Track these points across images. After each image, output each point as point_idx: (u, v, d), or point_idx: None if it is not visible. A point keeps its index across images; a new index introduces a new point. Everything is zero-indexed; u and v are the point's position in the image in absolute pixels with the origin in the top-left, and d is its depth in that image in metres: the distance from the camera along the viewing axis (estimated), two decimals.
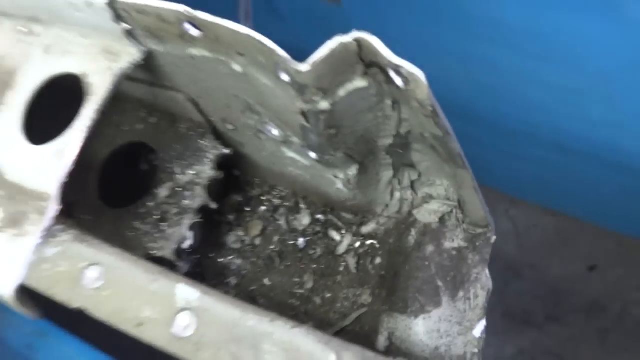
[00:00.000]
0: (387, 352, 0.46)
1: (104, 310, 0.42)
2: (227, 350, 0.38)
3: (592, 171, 1.31)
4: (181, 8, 0.41)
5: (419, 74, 0.35)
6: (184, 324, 0.40)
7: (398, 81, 0.36)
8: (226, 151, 0.52)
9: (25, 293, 0.44)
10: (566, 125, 1.27)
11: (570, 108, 1.24)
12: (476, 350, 0.44)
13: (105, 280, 0.42)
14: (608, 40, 1.18)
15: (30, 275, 0.44)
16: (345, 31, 0.38)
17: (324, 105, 0.39)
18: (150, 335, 0.40)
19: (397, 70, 0.35)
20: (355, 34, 0.35)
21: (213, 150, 0.52)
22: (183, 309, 0.40)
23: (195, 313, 0.40)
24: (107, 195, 0.53)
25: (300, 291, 0.51)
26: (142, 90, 0.53)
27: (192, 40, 0.43)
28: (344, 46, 0.36)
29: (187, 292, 0.40)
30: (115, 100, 0.51)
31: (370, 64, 0.38)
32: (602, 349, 1.28)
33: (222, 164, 0.53)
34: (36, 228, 0.44)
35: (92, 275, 0.42)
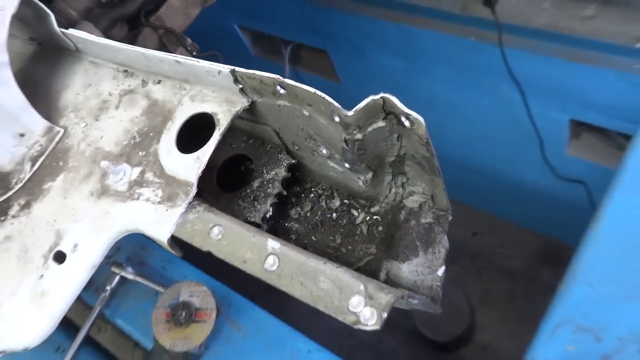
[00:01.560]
0: (385, 282, 0.57)
1: (222, 252, 0.53)
2: (297, 279, 0.49)
3: (476, 179, 1.75)
4: (275, 76, 0.53)
5: (421, 119, 0.46)
6: (271, 262, 0.51)
7: (407, 123, 0.47)
8: (293, 161, 0.65)
9: (175, 240, 0.56)
10: (467, 153, 1.66)
11: (468, 144, 1.53)
12: (439, 283, 0.57)
13: (224, 235, 0.54)
14: (490, 106, 1.57)
15: (178, 230, 0.56)
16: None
17: (359, 136, 0.50)
18: (251, 268, 0.51)
19: (407, 116, 0.46)
20: (382, 94, 0.47)
21: (285, 161, 0.65)
22: (271, 254, 0.51)
23: (278, 256, 0.51)
24: (222, 185, 0.66)
25: (333, 244, 0.62)
26: (246, 124, 0.65)
27: (279, 95, 0.55)
28: (374, 101, 0.47)
29: (273, 244, 0.52)
30: (230, 130, 0.63)
31: (389, 112, 0.49)
32: (479, 279, 1.71)
33: (290, 169, 0.65)
34: (183, 202, 0.56)
35: (216, 231, 0.54)
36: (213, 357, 1.01)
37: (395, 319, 1.83)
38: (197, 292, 1.03)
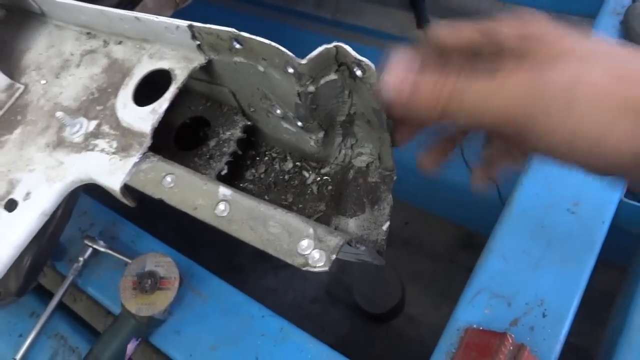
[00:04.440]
0: None
1: (174, 200, 0.45)
2: (247, 224, 0.41)
3: (409, 177, 1.57)
4: (231, 30, 0.44)
5: (372, 65, 0.38)
6: (222, 208, 0.42)
7: (358, 72, 0.39)
8: (249, 123, 0.56)
9: (127, 189, 0.48)
10: (402, 155, 1.51)
11: (404, 148, 1.49)
12: (384, 237, 0.49)
13: (175, 183, 0.45)
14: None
15: (131, 179, 0.47)
16: None
17: (312, 88, 0.42)
18: (202, 215, 0.43)
19: (359, 63, 0.38)
20: (335, 43, 0.39)
21: (241, 122, 0.56)
22: (222, 200, 0.43)
23: (228, 202, 0.43)
24: (180, 144, 0.57)
25: (285, 203, 0.54)
26: (203, 86, 0.56)
27: (236, 51, 0.46)
28: (327, 50, 0.39)
29: (224, 190, 0.43)
30: (188, 93, 0.55)
31: (341, 64, 0.41)
32: (409, 261, 1.63)
33: (246, 130, 0.56)
34: (137, 152, 0.47)
35: (168, 180, 0.46)
36: (176, 320, 0.91)
37: (339, 295, 1.75)
38: (162, 262, 0.93)
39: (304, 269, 0.38)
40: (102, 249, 0.99)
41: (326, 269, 0.37)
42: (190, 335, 0.89)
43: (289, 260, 0.39)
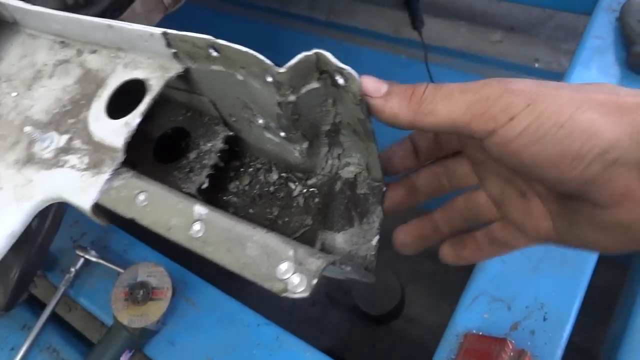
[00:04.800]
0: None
1: (147, 220, 0.41)
2: (224, 246, 0.38)
3: None
4: (207, 37, 0.41)
5: (355, 74, 0.35)
6: (197, 229, 0.39)
7: (340, 81, 0.36)
8: (230, 133, 0.53)
9: (98, 208, 0.44)
10: None
11: None
12: (373, 252, 0.46)
13: (149, 202, 0.42)
14: None
15: (102, 198, 0.44)
16: None
17: (292, 98, 0.39)
18: (175, 236, 0.40)
19: (341, 71, 0.35)
20: (315, 50, 0.36)
21: (223, 133, 0.53)
22: (197, 220, 0.39)
23: (204, 222, 0.39)
24: (160, 156, 0.54)
25: (270, 217, 0.51)
26: (183, 96, 0.53)
27: (213, 59, 0.43)
28: (307, 57, 0.36)
29: (200, 209, 0.40)
30: (168, 102, 0.52)
31: (322, 72, 0.38)
32: (408, 261, 1.54)
33: (228, 141, 0.53)
34: (109, 169, 0.44)
35: (141, 198, 0.42)
36: (169, 331, 0.89)
37: (338, 297, 1.71)
38: (154, 272, 0.90)
39: (282, 295, 0.34)
40: (94, 259, 0.97)
41: (306, 294, 0.34)
42: (184, 345, 0.86)
43: (267, 286, 0.35)
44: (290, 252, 0.35)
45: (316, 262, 0.35)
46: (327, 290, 1.77)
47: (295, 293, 0.34)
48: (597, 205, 0.27)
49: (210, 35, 0.41)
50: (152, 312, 0.85)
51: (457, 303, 0.71)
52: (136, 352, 0.85)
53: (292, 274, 0.34)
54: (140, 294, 0.85)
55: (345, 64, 0.36)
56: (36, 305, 0.99)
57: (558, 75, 1.20)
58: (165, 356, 0.86)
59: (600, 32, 0.89)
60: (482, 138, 0.29)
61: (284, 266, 0.35)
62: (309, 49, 0.38)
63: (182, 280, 0.92)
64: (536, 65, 1.21)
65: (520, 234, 0.37)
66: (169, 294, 0.87)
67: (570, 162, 0.26)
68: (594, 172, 0.26)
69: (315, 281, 0.34)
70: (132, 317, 0.84)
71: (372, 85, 0.34)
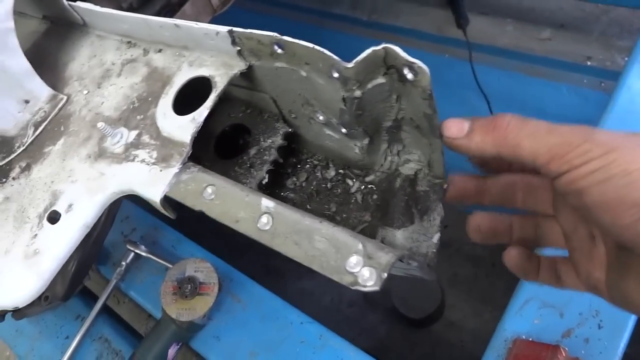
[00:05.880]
0: None
1: (215, 212, 0.42)
2: (291, 238, 0.38)
3: None
4: (273, 34, 0.42)
5: (426, 68, 0.35)
6: (264, 221, 0.40)
7: (409, 75, 0.36)
8: (289, 130, 0.54)
9: (168, 200, 0.46)
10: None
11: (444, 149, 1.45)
12: (434, 250, 0.46)
13: (216, 195, 0.43)
14: (461, 115, 1.36)
15: (172, 190, 0.45)
16: None
17: (358, 93, 0.39)
18: (244, 228, 0.40)
19: (411, 66, 0.35)
20: (384, 44, 0.36)
21: (282, 129, 0.54)
22: (264, 213, 0.40)
23: (271, 215, 0.39)
24: (220, 152, 0.55)
25: (328, 213, 0.51)
26: (244, 93, 0.54)
27: (277, 56, 0.43)
28: (375, 52, 0.36)
29: (267, 202, 0.40)
30: (228, 100, 0.54)
31: (390, 67, 0.37)
32: (449, 264, 1.53)
33: (287, 137, 0.54)
34: (177, 163, 0.45)
35: (209, 191, 0.43)
36: (215, 325, 0.91)
37: (376, 299, 1.71)
38: (201, 267, 0.93)
39: (353, 288, 0.35)
40: (144, 254, 1.00)
41: (377, 288, 0.34)
42: (229, 340, 0.88)
43: (336, 279, 0.36)
44: (360, 246, 0.36)
45: (386, 257, 0.35)
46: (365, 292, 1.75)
47: (365, 286, 0.34)
48: None
49: None
50: (200, 306, 0.87)
51: (498, 308, 0.69)
52: (183, 345, 0.87)
53: (362, 267, 0.35)
54: (188, 288, 0.88)
55: None
56: (89, 297, 1.03)
57: (612, 74, 1.16)
58: (211, 350, 0.88)
59: None
60: (554, 177, 0.31)
61: (353, 259, 0.35)
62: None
63: (228, 277, 0.94)
64: (588, 63, 1.18)
65: (576, 275, 0.37)
66: (216, 289, 0.89)
67: (627, 209, 0.27)
68: None
69: (385, 275, 0.34)
70: (180, 311, 0.86)
71: (455, 127, 0.36)
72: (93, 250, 0.89)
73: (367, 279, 0.35)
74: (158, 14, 0.93)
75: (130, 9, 0.89)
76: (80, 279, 0.92)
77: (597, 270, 0.34)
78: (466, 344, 1.47)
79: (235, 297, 0.94)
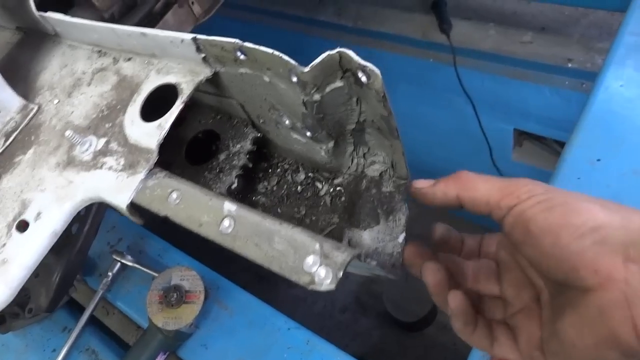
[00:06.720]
0: None
1: (180, 216, 0.43)
2: (252, 241, 0.39)
3: None
4: (235, 40, 0.42)
5: (377, 70, 0.35)
6: (226, 225, 0.40)
7: (363, 78, 0.36)
8: (259, 134, 0.54)
9: (134, 207, 0.46)
10: (428, 159, 1.55)
11: (429, 152, 1.47)
12: (399, 250, 0.46)
13: (181, 200, 0.43)
14: (446, 118, 1.46)
15: (138, 196, 0.45)
16: None
17: (317, 97, 0.40)
18: (206, 232, 0.41)
19: (364, 69, 0.36)
20: (338, 49, 0.36)
21: (251, 134, 0.54)
22: (226, 216, 0.40)
23: (234, 218, 0.40)
24: (192, 159, 0.55)
25: (297, 216, 0.52)
26: (212, 99, 0.55)
27: (240, 62, 0.44)
28: (330, 56, 0.37)
29: (229, 206, 0.41)
30: (198, 106, 0.54)
31: (346, 70, 0.38)
32: None
33: (257, 142, 0.54)
34: (143, 169, 0.46)
35: (174, 196, 0.43)
36: (203, 334, 0.91)
37: (369, 303, 1.70)
38: (187, 276, 0.93)
39: (309, 287, 0.35)
40: (130, 264, 1.00)
41: (332, 287, 0.34)
42: (217, 348, 0.88)
43: (294, 279, 0.36)
44: (317, 246, 0.36)
45: (342, 255, 0.35)
46: (357, 296, 1.76)
47: (322, 285, 0.34)
48: (581, 289, 0.30)
49: None
50: (186, 314, 0.87)
51: None
52: (170, 354, 0.87)
53: (319, 267, 0.35)
54: (174, 297, 0.88)
55: None
56: (76, 309, 1.02)
57: (593, 75, 1.16)
58: (199, 359, 0.88)
59: (636, 28, 0.87)
60: (504, 215, 0.35)
61: (310, 259, 0.36)
62: None
63: (214, 284, 0.94)
64: (569, 65, 1.19)
65: (513, 341, 0.39)
66: (202, 297, 0.89)
67: (567, 229, 0.31)
68: (585, 246, 0.30)
69: (341, 273, 0.34)
70: (166, 320, 0.86)
71: (424, 182, 0.42)
72: (77, 260, 0.89)
73: (324, 277, 0.35)
74: (139, 23, 0.94)
75: (112, 19, 0.90)
76: (65, 290, 0.92)
77: (538, 329, 0.37)
78: (459, 345, 1.47)
79: (222, 304, 0.93)
